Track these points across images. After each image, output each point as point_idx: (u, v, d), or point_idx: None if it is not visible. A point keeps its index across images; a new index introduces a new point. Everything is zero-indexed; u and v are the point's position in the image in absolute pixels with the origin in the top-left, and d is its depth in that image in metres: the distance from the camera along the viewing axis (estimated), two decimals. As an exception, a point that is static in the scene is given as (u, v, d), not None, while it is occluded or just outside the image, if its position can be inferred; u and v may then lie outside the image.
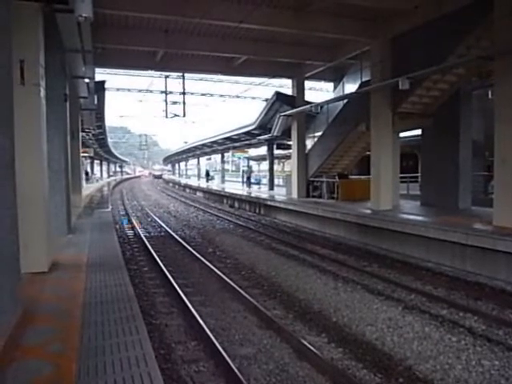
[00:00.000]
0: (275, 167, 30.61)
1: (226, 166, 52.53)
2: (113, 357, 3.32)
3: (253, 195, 21.42)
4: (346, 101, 16.13)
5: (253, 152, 39.68)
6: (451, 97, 12.47)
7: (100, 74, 18.15)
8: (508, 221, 8.61)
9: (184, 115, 22.38)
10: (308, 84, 20.11)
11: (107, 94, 19.41)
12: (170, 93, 22.40)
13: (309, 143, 19.22)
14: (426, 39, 10.97)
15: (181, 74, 20.84)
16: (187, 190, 40.59)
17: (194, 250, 10.56)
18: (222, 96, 25.82)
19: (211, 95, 25.40)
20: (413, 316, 6.00)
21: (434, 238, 9.09)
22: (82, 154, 20.18)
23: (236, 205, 23.34)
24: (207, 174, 42.39)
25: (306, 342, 4.88)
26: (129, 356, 3.33)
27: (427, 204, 13.30)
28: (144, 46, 14.21)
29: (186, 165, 68.62)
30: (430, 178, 13.59)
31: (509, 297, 6.81)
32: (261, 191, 24.84)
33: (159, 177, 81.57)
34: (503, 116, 8.83)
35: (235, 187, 29.43)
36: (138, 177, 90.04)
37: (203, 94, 25.04)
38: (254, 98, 26.19)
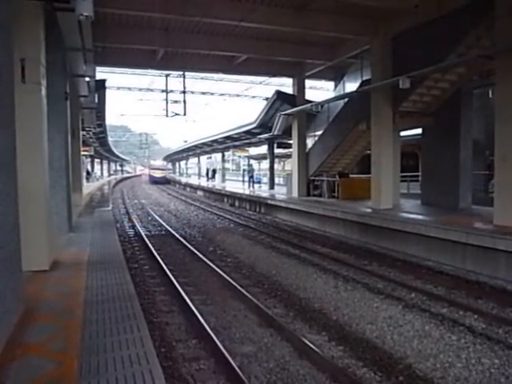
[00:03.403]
0: (276, 166, 30.61)
1: (227, 165, 52.43)
2: (114, 354, 3.33)
3: (253, 194, 21.42)
4: (346, 100, 16.12)
5: (253, 151, 39.62)
6: (452, 95, 12.45)
7: (100, 73, 18.19)
8: (508, 220, 8.60)
9: (185, 114, 22.40)
10: (308, 83, 20.11)
11: (108, 93, 19.45)
12: (171, 91, 22.43)
13: (309, 142, 19.23)
14: (426, 38, 10.95)
15: (181, 72, 20.83)
16: (187, 189, 40.60)
17: (194, 248, 10.58)
18: (222, 95, 25.84)
19: (212, 94, 25.42)
20: (413, 314, 6.01)
21: (435, 236, 9.09)
22: (82, 153, 20.19)
23: (236, 204, 23.35)
24: (213, 171, 40.20)
25: (306, 341, 4.89)
26: (130, 354, 3.34)
27: (428, 203, 13.30)
28: (144, 45, 14.21)
29: (186, 163, 68.48)
30: (430, 177, 13.59)
31: (509, 296, 6.81)
32: (261, 190, 24.85)
33: (163, 180, 51.76)
34: (504, 115, 8.82)
35: (236, 186, 29.43)
36: (139, 175, 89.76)
37: (204, 93, 25.04)
38: (254, 96, 26.10)
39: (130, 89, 24.32)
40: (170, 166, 73.21)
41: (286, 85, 21.77)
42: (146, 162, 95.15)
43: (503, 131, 8.84)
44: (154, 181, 52.06)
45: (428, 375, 4.35)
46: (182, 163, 71.92)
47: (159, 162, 60.87)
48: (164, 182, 51.35)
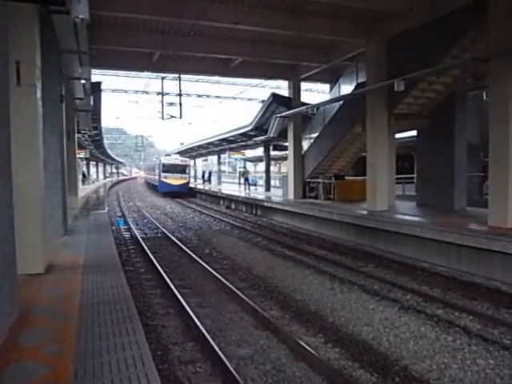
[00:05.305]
0: (272, 168, 30.59)
1: (223, 167, 52.42)
2: (110, 358, 3.32)
3: (249, 196, 21.42)
4: (342, 102, 16.18)
5: (249, 153, 39.61)
6: (446, 98, 12.54)
7: (96, 75, 18.15)
8: (503, 221, 8.67)
9: (180, 116, 22.41)
10: (304, 85, 20.22)
11: (103, 95, 19.40)
12: (167, 94, 22.47)
13: (305, 144, 19.26)
14: (421, 41, 11.03)
15: (177, 75, 20.84)
16: (184, 192, 40.46)
17: (190, 251, 10.55)
18: (218, 97, 25.87)
19: (208, 96, 25.44)
20: (409, 316, 6.03)
21: (430, 238, 9.13)
22: (78, 156, 20.13)
23: (232, 206, 23.33)
24: (209, 174, 40.06)
25: (302, 343, 4.89)
26: (126, 357, 3.33)
27: (423, 205, 13.36)
28: (140, 47, 14.22)
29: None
30: (425, 179, 13.66)
31: (504, 296, 6.85)
32: (257, 192, 24.85)
33: (184, 191, 31.12)
34: (497, 117, 8.90)
35: (232, 188, 29.40)
36: (134, 178, 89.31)
37: (200, 96, 25.07)
38: (250, 99, 26.19)
39: (125, 91, 24.27)
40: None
41: (282, 87, 21.85)
42: (142, 165, 79.53)
43: (497, 133, 8.91)
44: (169, 191, 30.71)
45: (424, 376, 4.36)
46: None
47: (176, 160, 33.19)
48: (185, 192, 31.04)
